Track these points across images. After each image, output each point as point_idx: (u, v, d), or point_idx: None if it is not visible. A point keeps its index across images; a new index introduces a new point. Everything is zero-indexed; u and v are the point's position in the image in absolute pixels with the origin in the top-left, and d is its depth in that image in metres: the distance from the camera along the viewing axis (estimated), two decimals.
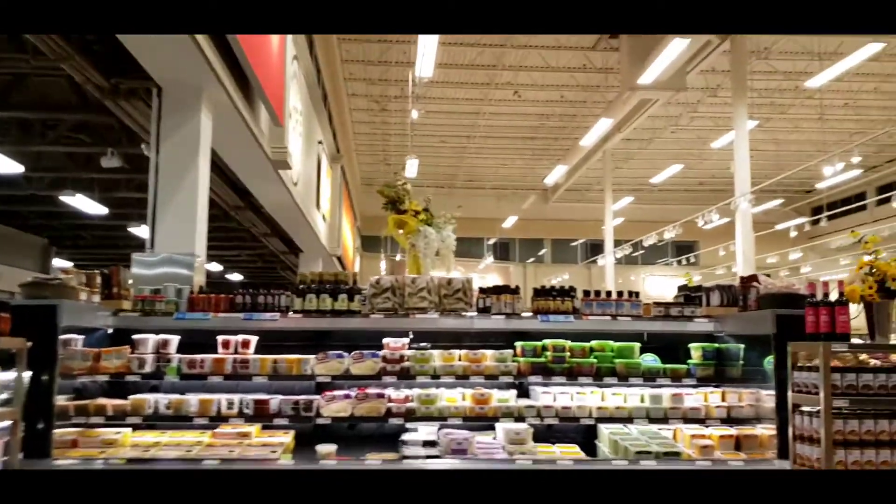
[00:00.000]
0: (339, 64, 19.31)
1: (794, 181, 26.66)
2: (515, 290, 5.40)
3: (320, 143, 15.44)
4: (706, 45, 15.99)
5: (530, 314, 5.36)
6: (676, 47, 13.94)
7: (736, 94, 16.03)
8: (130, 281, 5.78)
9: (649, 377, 5.06)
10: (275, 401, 5.12)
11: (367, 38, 17.94)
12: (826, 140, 23.28)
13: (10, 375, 4.30)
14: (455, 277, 5.45)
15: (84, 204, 12.37)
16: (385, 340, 5.29)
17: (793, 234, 24.78)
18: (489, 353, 5.19)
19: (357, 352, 5.17)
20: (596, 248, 30.84)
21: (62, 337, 5.00)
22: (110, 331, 5.41)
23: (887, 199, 25.37)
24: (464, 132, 24.99)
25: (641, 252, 28.36)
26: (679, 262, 31.93)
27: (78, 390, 5.29)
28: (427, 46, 13.04)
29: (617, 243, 25.47)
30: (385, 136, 25.61)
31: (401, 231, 5.67)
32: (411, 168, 18.97)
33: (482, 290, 5.49)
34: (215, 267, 25.04)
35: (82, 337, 5.18)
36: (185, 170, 6.93)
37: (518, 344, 5.28)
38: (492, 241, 33.15)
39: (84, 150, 10.14)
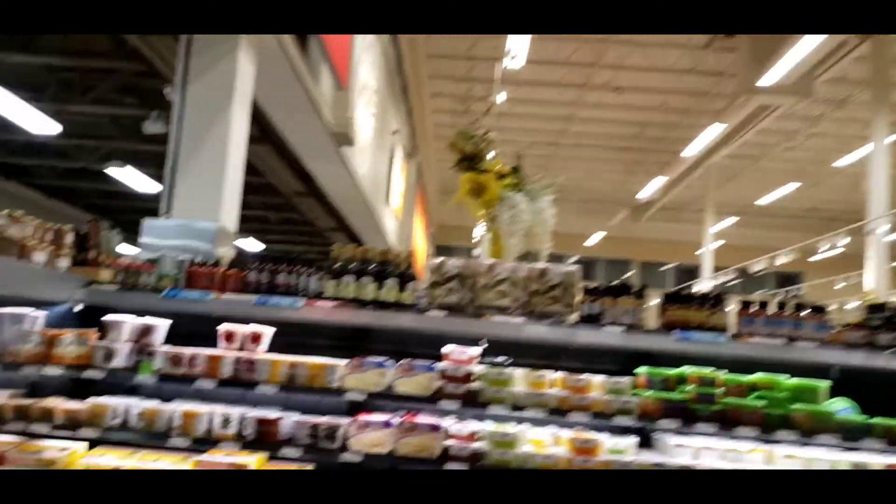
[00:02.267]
0: (422, 59, 17.99)
1: None
2: (639, 293, 3.74)
3: (396, 132, 14.08)
4: (839, 48, 13.89)
5: (660, 329, 3.68)
6: (807, 45, 11.98)
7: (875, 103, 13.83)
8: (125, 247, 4.42)
9: (848, 436, 3.29)
10: (287, 422, 3.62)
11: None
12: None
13: None
14: (551, 267, 3.83)
15: (131, 177, 11.23)
16: (446, 349, 3.72)
17: None
18: (598, 379, 3.53)
19: (406, 361, 3.61)
20: (688, 273, 28.49)
21: (13, 311, 3.66)
22: (78, 308, 4.02)
23: None
24: (552, 138, 23.26)
25: (740, 280, 25.87)
26: (787, 295, 29.16)
27: (34, 386, 3.92)
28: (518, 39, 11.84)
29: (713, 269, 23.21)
30: None
31: (478, 199, 4.08)
32: None
33: (589, 291, 3.86)
34: None
35: (42, 313, 3.80)
36: (213, 119, 5.55)
37: (641, 371, 3.61)
38: (573, 259, 31.21)
39: (128, 112, 9.02)
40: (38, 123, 8.56)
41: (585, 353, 3.91)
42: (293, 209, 13.27)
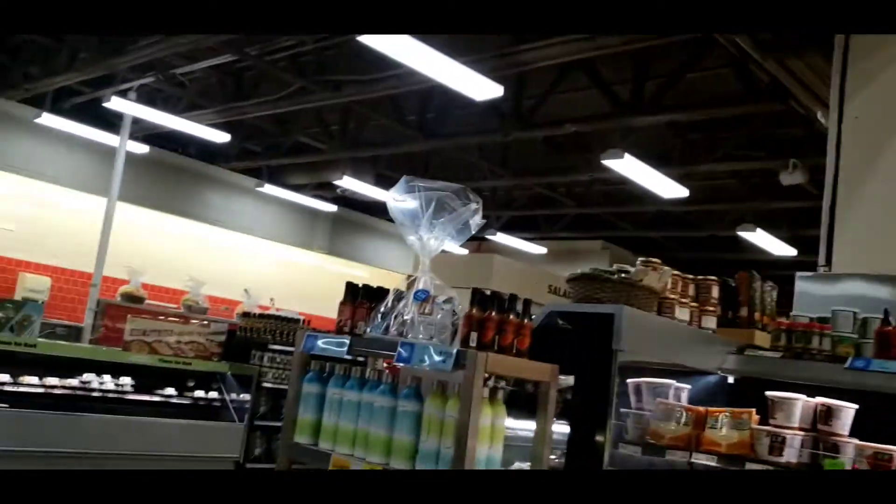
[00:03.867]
0: None
1: None
2: None
3: None
4: None
5: None
6: None
7: None
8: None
9: None
10: None
11: None
12: None
13: (525, 425, 2.49)
14: None
15: (764, 241, 10.16)
16: None
17: None
18: None
19: None
20: None
21: (655, 381, 3.03)
22: (731, 379, 3.17)
23: None
24: None
25: None
26: None
27: None
28: None
29: None
30: None
31: None
32: None
33: None
34: None
35: (686, 385, 3.09)
36: (884, 141, 4.23)
37: None
38: None
39: (758, 165, 8.13)
40: (667, 188, 8.37)
41: None
42: None
